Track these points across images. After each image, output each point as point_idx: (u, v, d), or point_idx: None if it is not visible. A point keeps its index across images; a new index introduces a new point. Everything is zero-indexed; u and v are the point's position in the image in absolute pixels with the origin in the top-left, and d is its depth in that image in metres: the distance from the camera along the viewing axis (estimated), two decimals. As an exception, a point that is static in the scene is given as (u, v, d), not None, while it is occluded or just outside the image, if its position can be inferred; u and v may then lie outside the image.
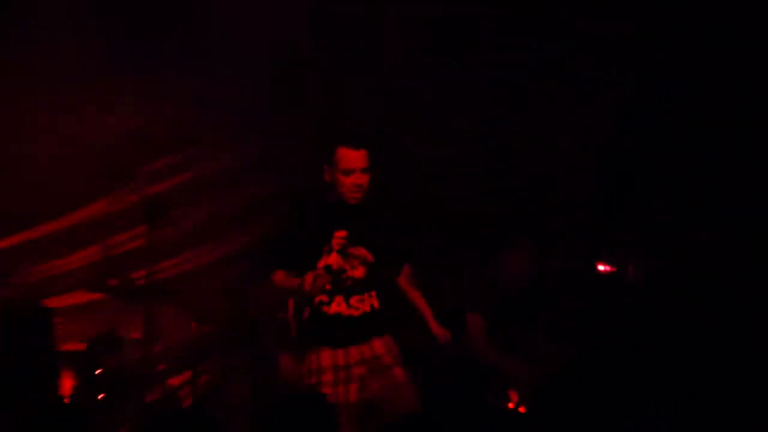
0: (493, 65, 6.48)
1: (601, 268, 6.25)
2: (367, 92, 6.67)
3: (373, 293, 4.91)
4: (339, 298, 4.85)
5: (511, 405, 5.47)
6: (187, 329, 6.35)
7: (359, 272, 4.87)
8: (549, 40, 6.40)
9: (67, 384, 5.91)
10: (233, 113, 6.81)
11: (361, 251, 4.85)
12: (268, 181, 6.91)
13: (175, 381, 6.42)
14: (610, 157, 6.42)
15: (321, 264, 4.82)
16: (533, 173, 6.49)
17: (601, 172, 6.44)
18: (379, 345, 4.90)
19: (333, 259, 4.84)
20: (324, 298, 4.85)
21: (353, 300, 4.86)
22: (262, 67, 6.74)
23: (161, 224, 6.14)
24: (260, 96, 6.79)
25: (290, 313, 5.09)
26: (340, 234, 4.81)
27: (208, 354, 6.35)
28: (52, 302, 6.42)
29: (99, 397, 5.98)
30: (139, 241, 6.49)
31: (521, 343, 5.68)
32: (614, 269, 6.24)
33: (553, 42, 6.38)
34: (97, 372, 6.03)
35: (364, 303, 4.87)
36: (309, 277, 4.64)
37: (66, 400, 5.85)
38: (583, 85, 6.41)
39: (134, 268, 6.51)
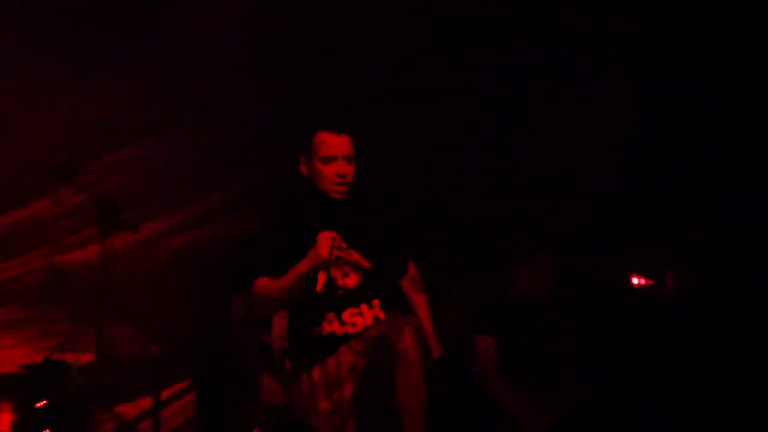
0: (503, 62, 6.19)
1: (635, 281, 5.72)
2: (361, 81, 6.29)
3: (375, 303, 4.49)
4: (330, 315, 4.44)
5: None
6: (146, 352, 5.64)
7: (352, 280, 4.46)
8: (560, 36, 6.14)
9: (3, 419, 5.38)
10: (195, 103, 6.36)
11: (353, 255, 4.42)
12: (241, 178, 6.41)
13: (132, 413, 5.89)
14: (636, 152, 6.00)
15: None
16: (550, 174, 6.05)
17: (624, 170, 6.02)
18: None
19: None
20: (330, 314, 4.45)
21: (347, 314, 4.44)
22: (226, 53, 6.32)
23: (115, 228, 5.49)
24: (225, 84, 6.37)
25: (274, 336, 4.69)
26: (327, 235, 4.34)
27: (172, 380, 5.85)
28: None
29: (41, 434, 5.36)
30: (88, 248, 5.99)
31: (538, 372, 5.19)
32: (651, 282, 5.72)
33: (565, 38, 6.12)
34: (38, 405, 5.45)
35: (364, 316, 4.44)
36: (322, 241, 4.22)
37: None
38: (600, 80, 6.09)
39: (83, 279, 6.00)
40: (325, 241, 4.26)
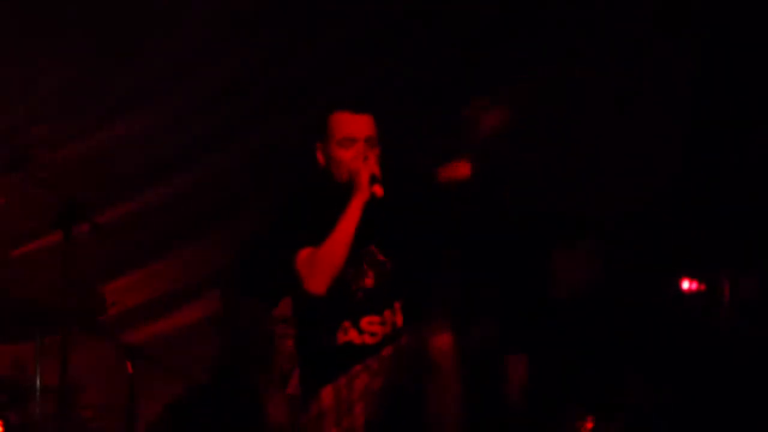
0: (557, 50, 5.86)
1: (686, 285, 5.36)
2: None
3: (397, 306, 4.13)
4: (346, 324, 4.07)
5: None
6: (120, 371, 5.29)
7: (371, 279, 4.12)
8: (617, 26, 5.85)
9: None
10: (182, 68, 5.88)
11: (377, 254, 4.13)
12: (238, 165, 5.95)
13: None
14: (699, 144, 5.65)
15: None
16: (596, 164, 5.71)
17: (684, 162, 5.68)
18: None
19: None
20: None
21: (365, 322, 4.07)
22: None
23: (82, 230, 5.04)
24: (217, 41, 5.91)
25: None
26: (366, 171, 4.07)
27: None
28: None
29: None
30: (50, 254, 5.42)
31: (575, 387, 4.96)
32: (704, 287, 5.35)
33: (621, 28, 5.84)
34: None
35: (385, 324, 4.09)
36: (363, 181, 3.97)
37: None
38: (664, 68, 5.80)
39: (44, 289, 5.37)
40: (366, 180, 3.98)
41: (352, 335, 4.07)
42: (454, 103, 5.55)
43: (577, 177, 5.64)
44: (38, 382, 5.11)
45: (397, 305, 4.14)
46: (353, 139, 4.05)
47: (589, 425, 4.86)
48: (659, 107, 5.66)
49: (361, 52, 5.90)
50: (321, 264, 3.98)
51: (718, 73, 5.63)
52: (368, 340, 4.07)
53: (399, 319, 4.13)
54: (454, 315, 4.36)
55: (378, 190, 3.96)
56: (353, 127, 4.08)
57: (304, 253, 4.01)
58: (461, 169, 4.22)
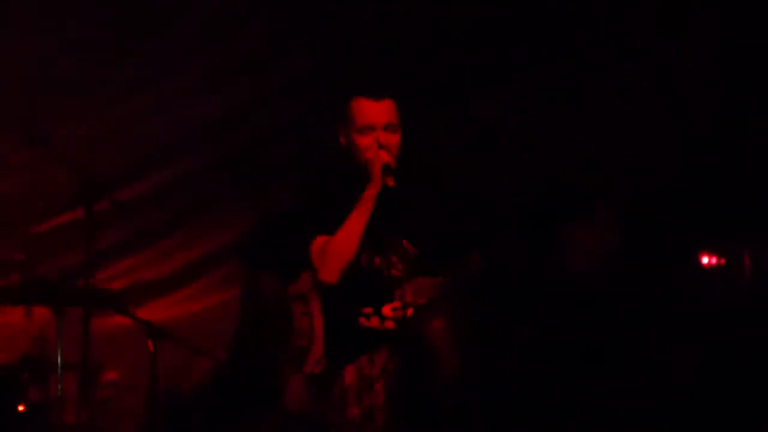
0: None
1: (705, 260, 5.26)
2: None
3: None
4: (368, 310, 4.07)
5: None
6: (142, 350, 5.18)
7: (395, 270, 4.10)
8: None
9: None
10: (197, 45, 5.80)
11: (402, 242, 4.10)
12: (261, 142, 5.88)
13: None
14: (718, 116, 5.57)
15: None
16: (609, 134, 5.66)
17: (701, 132, 5.58)
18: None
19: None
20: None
21: (388, 309, 4.06)
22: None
23: (103, 208, 5.03)
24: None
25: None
26: (380, 161, 4.08)
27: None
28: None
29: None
30: (72, 232, 5.42)
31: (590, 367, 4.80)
32: (723, 262, 5.25)
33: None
34: (19, 409, 5.13)
35: (407, 311, 4.06)
36: (376, 173, 3.98)
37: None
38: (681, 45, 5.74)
39: (66, 267, 5.48)
40: (378, 171, 3.99)
41: (374, 322, 4.08)
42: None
43: (593, 152, 5.64)
44: (60, 360, 5.09)
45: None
46: (372, 127, 4.04)
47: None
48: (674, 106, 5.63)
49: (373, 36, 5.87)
50: (332, 254, 4.00)
51: (744, 43, 5.56)
52: (390, 325, 4.08)
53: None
54: (459, 296, 4.36)
55: (390, 181, 3.97)
56: (372, 114, 4.05)
57: (318, 242, 4.04)
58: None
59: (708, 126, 5.57)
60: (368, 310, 4.07)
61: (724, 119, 5.53)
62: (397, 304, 4.10)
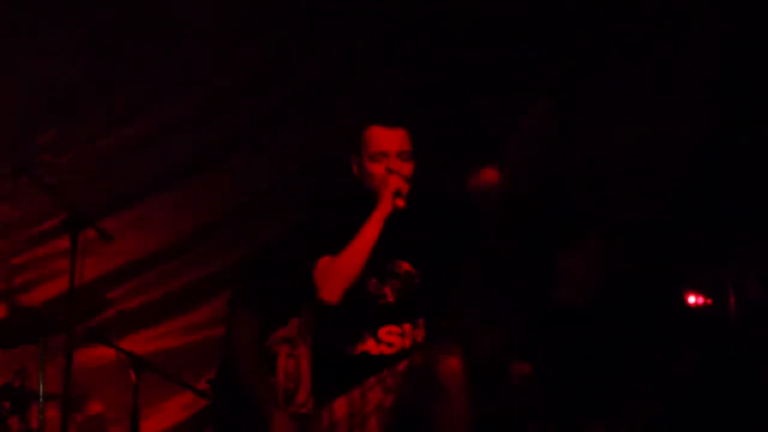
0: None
1: (691, 299, 5.20)
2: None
3: (420, 322, 4.08)
4: (364, 332, 4.03)
5: None
6: (125, 382, 5.15)
7: (394, 292, 4.07)
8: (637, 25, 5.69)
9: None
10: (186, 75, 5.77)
11: (403, 266, 4.08)
12: (258, 169, 5.84)
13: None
14: (707, 149, 5.46)
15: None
16: (598, 163, 5.56)
17: (690, 163, 5.48)
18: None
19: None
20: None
21: (384, 331, 4.02)
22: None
23: (90, 238, 4.94)
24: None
25: (279, 376, 4.55)
26: (392, 183, 4.07)
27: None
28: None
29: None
30: (55, 262, 5.43)
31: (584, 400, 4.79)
32: (709, 301, 5.19)
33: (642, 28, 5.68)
34: None
35: (404, 336, 4.03)
36: (387, 195, 3.98)
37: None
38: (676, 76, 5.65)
39: (49, 299, 5.48)
40: (389, 194, 3.99)
41: (370, 345, 4.01)
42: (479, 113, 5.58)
43: (586, 176, 5.55)
44: (41, 390, 4.99)
45: (421, 321, 4.11)
46: (385, 154, 4.06)
47: None
48: (674, 110, 5.57)
49: (386, 59, 5.84)
50: (336, 273, 3.96)
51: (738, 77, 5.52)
52: (385, 350, 4.02)
53: (420, 335, 4.09)
54: (465, 331, 4.43)
55: (399, 202, 3.96)
56: (386, 142, 4.08)
57: (323, 262, 4.00)
58: (489, 176, 4.14)
59: (708, 130, 5.51)
60: (364, 332, 4.02)
61: (725, 122, 5.47)
62: (393, 328, 4.04)
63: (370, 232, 3.97)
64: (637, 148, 5.51)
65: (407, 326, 4.06)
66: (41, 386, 4.99)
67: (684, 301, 5.23)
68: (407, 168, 4.06)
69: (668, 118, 5.54)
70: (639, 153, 5.50)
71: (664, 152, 5.49)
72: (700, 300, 5.20)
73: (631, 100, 5.60)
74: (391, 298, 4.07)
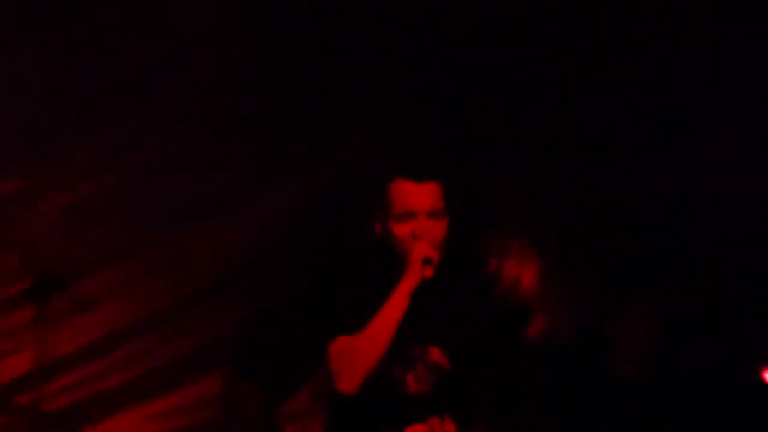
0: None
1: None
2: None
3: (447, 419, 3.75)
4: (387, 430, 3.70)
5: None
6: None
7: (423, 385, 3.72)
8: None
9: None
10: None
11: (434, 353, 3.74)
12: (250, 227, 5.36)
13: None
14: None
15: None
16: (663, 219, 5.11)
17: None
18: None
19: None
20: None
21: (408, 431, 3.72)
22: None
23: (59, 305, 4.89)
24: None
25: None
26: (421, 251, 3.77)
27: None
28: None
29: None
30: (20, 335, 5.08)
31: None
32: None
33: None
34: None
35: None
36: (416, 262, 3.61)
37: None
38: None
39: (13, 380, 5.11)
40: (417, 262, 3.66)
41: None
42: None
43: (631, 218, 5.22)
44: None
45: (448, 416, 3.77)
46: (413, 214, 3.71)
47: None
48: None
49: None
50: (355, 358, 3.64)
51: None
52: None
53: (448, 430, 3.77)
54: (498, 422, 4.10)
55: (428, 271, 3.59)
56: (414, 200, 3.74)
57: (339, 343, 3.67)
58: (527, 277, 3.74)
59: None
60: (384, 428, 3.70)
61: None
62: (423, 427, 3.71)
63: (395, 307, 3.64)
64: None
65: (434, 421, 3.75)
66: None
67: (762, 379, 4.86)
68: (439, 228, 3.72)
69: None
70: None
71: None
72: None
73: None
74: (417, 389, 3.75)
